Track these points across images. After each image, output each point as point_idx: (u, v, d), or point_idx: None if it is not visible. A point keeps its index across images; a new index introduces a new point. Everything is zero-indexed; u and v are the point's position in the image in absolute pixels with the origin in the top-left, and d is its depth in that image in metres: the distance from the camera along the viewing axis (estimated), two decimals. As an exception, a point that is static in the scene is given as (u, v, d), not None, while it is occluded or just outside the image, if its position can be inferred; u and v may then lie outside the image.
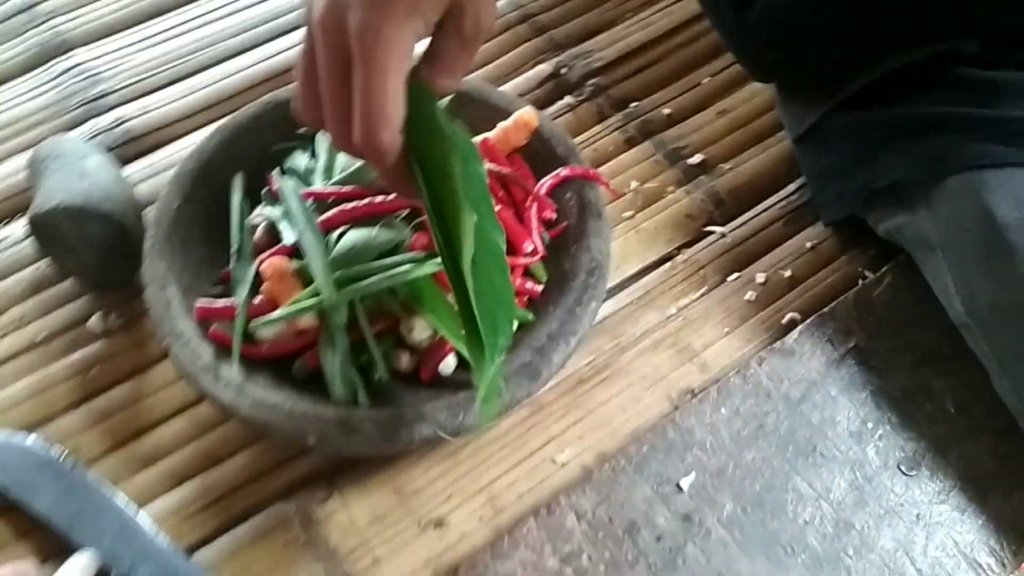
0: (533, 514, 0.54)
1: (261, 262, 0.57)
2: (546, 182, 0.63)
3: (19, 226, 0.72)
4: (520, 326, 0.59)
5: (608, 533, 0.53)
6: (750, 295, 0.66)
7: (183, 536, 0.55)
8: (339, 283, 0.55)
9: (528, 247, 0.60)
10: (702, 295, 0.67)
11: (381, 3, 0.36)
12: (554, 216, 0.63)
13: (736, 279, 0.67)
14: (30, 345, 0.65)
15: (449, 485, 0.57)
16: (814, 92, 0.70)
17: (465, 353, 0.54)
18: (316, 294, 0.55)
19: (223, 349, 0.56)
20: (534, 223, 0.61)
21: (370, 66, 0.37)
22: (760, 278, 0.67)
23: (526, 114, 0.64)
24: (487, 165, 0.62)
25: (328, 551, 0.55)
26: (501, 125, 0.65)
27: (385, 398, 0.55)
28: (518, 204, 0.63)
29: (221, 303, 0.57)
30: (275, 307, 0.57)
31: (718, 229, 0.70)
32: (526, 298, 0.60)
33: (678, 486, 0.55)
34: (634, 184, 0.73)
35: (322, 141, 0.66)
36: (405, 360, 0.57)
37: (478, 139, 0.64)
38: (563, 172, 0.63)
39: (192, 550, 0.55)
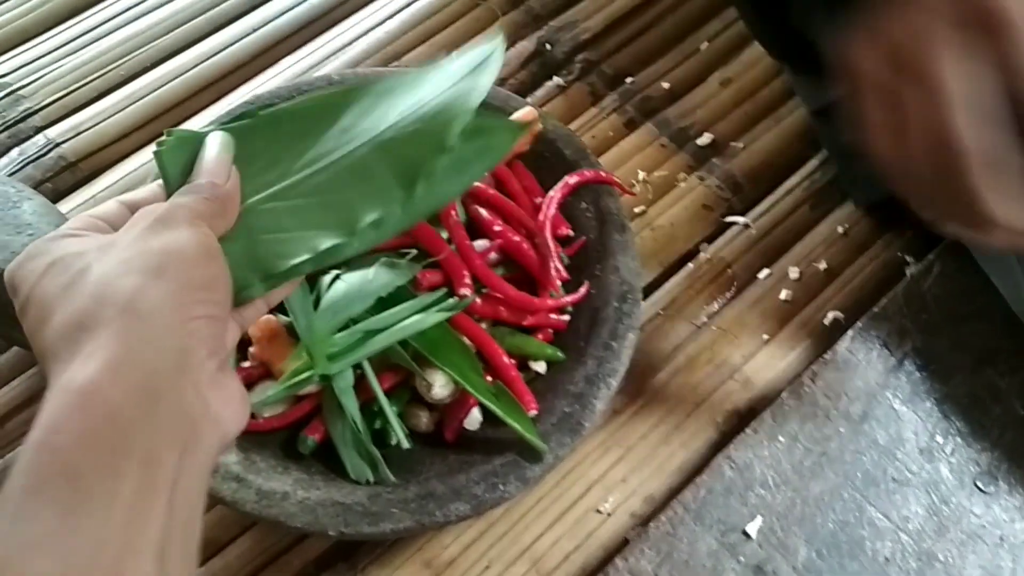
0: (589, 583, 0.48)
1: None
2: (555, 195, 0.55)
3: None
4: (549, 366, 0.52)
5: (675, 597, 0.48)
6: (785, 294, 0.60)
7: (191, 646, 0.48)
8: (337, 349, 0.47)
9: (551, 273, 0.53)
10: (732, 298, 0.60)
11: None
12: (570, 233, 0.56)
13: (767, 276, 0.61)
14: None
15: (485, 552, 0.51)
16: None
17: (493, 408, 0.48)
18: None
19: None
20: (550, 244, 0.54)
21: None
22: (793, 273, 0.61)
23: (527, 115, 0.56)
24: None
25: (360, 645, 0.48)
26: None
27: (408, 467, 0.48)
28: (526, 223, 0.55)
29: None
30: (267, 372, 0.49)
31: (740, 219, 0.64)
32: (551, 332, 0.53)
33: (744, 533, 0.49)
34: (641, 175, 0.66)
35: None
36: (424, 419, 0.50)
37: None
38: (573, 179, 0.56)
39: (204, 662, 0.48)
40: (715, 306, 0.60)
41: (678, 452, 0.54)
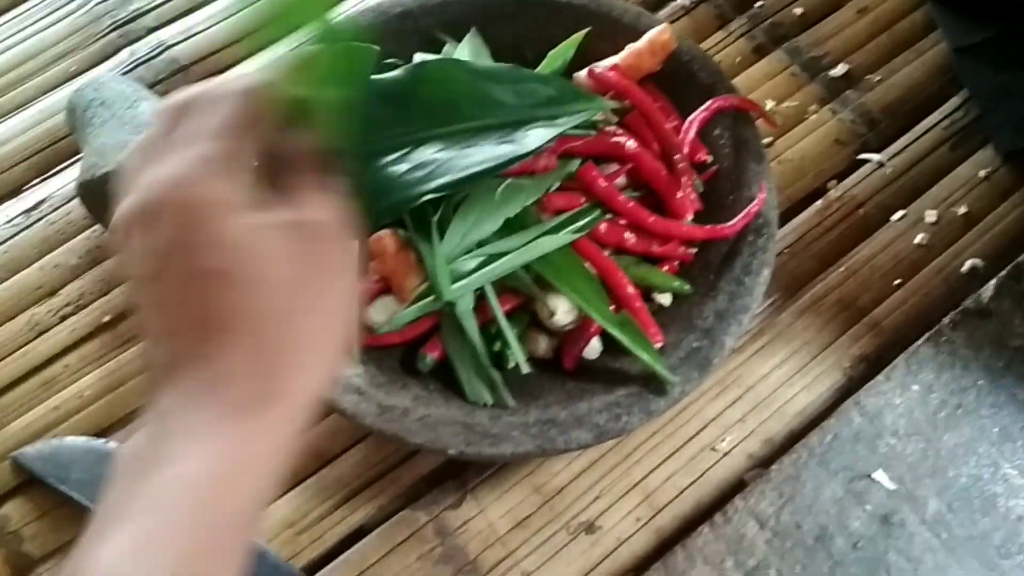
0: (708, 522, 0.47)
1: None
2: (698, 116, 0.52)
3: (60, 183, 0.62)
4: (674, 299, 0.50)
5: (797, 541, 0.46)
6: (920, 238, 0.57)
7: (301, 552, 0.49)
8: (461, 273, 0.46)
9: (680, 198, 0.50)
10: (865, 240, 0.57)
11: None
12: (708, 159, 0.53)
13: (901, 218, 0.58)
14: (95, 328, 0.56)
15: (596, 482, 0.50)
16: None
17: (620, 336, 0.46)
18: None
19: None
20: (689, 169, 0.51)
21: None
22: (930, 216, 0.58)
23: (662, 35, 0.53)
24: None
25: (469, 564, 0.48)
26: (631, 48, 0.54)
27: (526, 391, 0.47)
28: (664, 144, 0.52)
29: None
30: (389, 288, 0.48)
31: (874, 157, 0.60)
32: (677, 263, 0.51)
33: (872, 481, 0.47)
34: (770, 104, 0.63)
35: None
36: (543, 344, 0.49)
37: (605, 63, 0.53)
38: (716, 103, 0.53)
39: (312, 570, 0.48)
40: (844, 246, 0.57)
41: (800, 395, 0.52)
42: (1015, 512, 0.46)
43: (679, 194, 0.50)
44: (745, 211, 0.49)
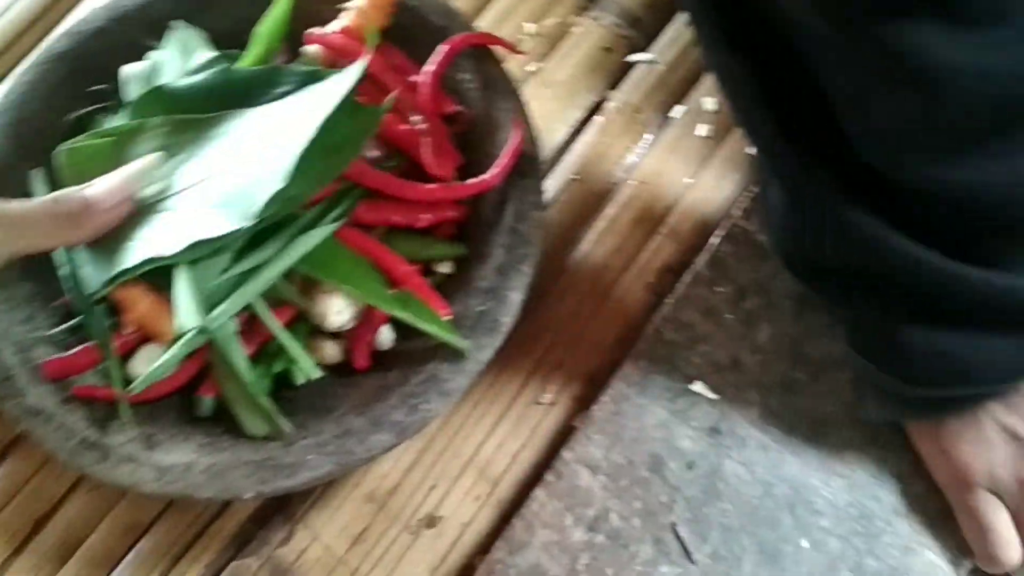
0: (540, 484, 0.45)
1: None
2: (431, 68, 0.48)
3: None
4: (458, 264, 0.47)
5: (632, 478, 0.44)
6: (702, 129, 0.55)
7: (137, 634, 0.45)
8: (217, 295, 0.42)
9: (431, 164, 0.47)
10: (649, 145, 0.55)
11: None
12: (459, 108, 0.49)
13: (683, 114, 0.56)
14: None
15: (428, 472, 0.47)
16: None
17: (402, 316, 0.43)
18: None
19: (98, 407, 0.43)
20: (437, 125, 0.48)
21: None
22: (709, 104, 0.56)
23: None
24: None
25: (314, 595, 0.45)
26: (353, 5, 0.49)
27: (326, 405, 0.44)
28: (405, 107, 0.49)
29: (76, 352, 0.44)
30: (147, 337, 0.44)
31: (644, 56, 0.58)
32: (453, 227, 0.48)
33: (693, 395, 0.46)
34: (528, 27, 0.59)
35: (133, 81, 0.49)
36: (331, 349, 0.46)
37: (326, 29, 0.49)
38: (446, 47, 0.49)
39: (152, 648, 0.45)
40: (631, 159, 0.55)
41: (612, 323, 0.50)
42: (838, 390, 0.46)
43: (432, 154, 0.47)
44: (502, 155, 0.46)
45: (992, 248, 0.37)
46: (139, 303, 0.43)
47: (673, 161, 0.54)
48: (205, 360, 0.44)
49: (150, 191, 0.42)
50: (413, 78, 0.49)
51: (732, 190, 0.53)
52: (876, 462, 0.44)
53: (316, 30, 0.49)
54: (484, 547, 0.45)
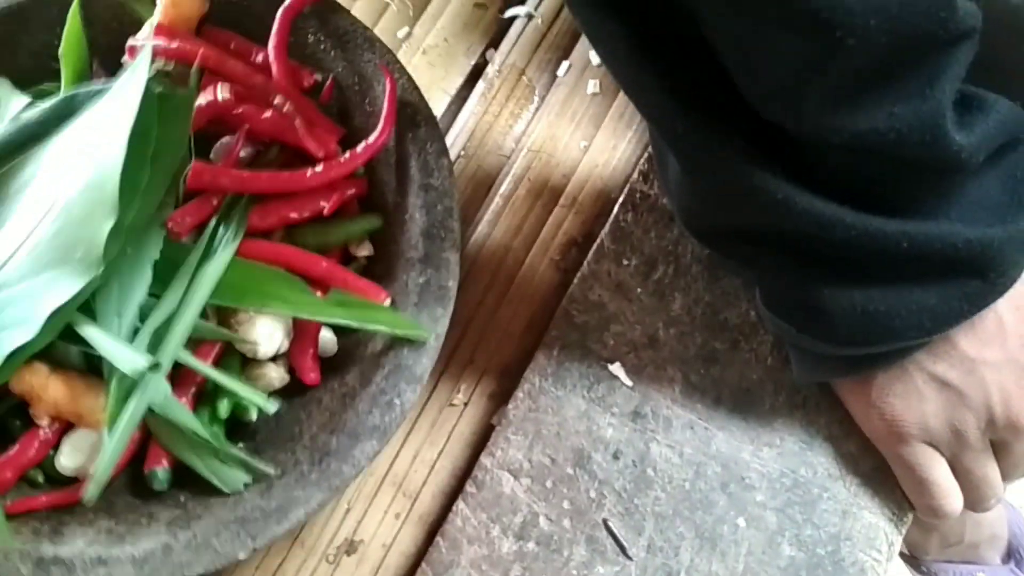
0: (461, 496, 0.42)
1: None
2: (273, 41, 0.43)
3: None
4: (375, 242, 0.43)
5: (557, 477, 0.42)
6: (592, 85, 0.51)
7: None
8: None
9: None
10: (538, 109, 0.51)
11: None
12: (318, 77, 0.45)
13: (567, 71, 0.52)
14: None
15: (341, 494, 0.44)
16: None
17: (343, 322, 0.39)
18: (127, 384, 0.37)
19: (41, 519, 0.38)
20: (302, 101, 0.43)
21: None
22: (595, 58, 0.52)
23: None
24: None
25: (234, 645, 0.42)
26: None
27: (286, 437, 0.40)
28: (251, 88, 0.43)
29: None
30: (71, 422, 0.39)
31: (521, 10, 0.53)
32: (355, 203, 0.44)
33: (611, 377, 0.43)
34: (394, -11, 0.54)
35: None
36: (274, 372, 0.41)
37: (145, 30, 0.43)
38: (283, 13, 0.43)
39: None
40: (520, 126, 0.51)
41: (521, 308, 0.47)
42: (753, 350, 0.44)
43: (309, 133, 0.42)
44: (382, 108, 0.42)
45: (904, 197, 0.35)
46: (47, 388, 0.38)
47: (565, 124, 0.51)
48: (142, 432, 0.39)
49: None
50: (258, 58, 0.44)
51: (630, 150, 0.50)
52: (805, 427, 0.42)
53: (133, 39, 0.43)
54: (411, 568, 0.42)
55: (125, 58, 0.43)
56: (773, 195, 0.34)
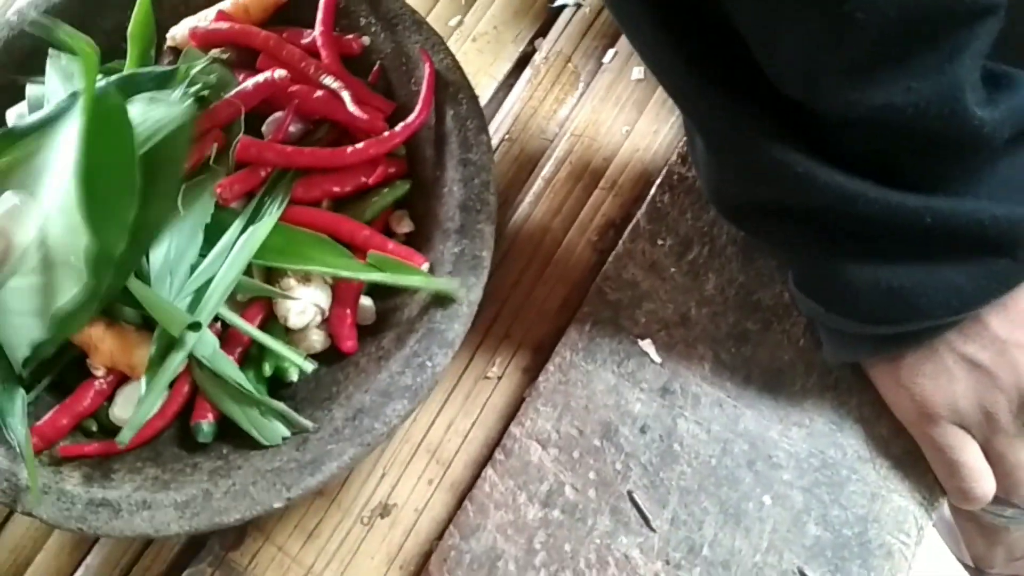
0: (490, 463, 0.43)
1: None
2: (321, 16, 0.46)
3: None
4: (413, 213, 0.45)
5: (584, 449, 0.43)
6: (637, 72, 0.52)
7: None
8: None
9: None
10: (582, 95, 0.52)
11: None
12: (361, 45, 0.47)
13: (614, 58, 0.53)
14: None
15: (377, 459, 0.46)
16: None
17: (381, 279, 0.41)
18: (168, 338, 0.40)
19: (93, 464, 0.41)
20: (348, 79, 0.45)
21: None
22: (642, 45, 0.53)
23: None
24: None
25: (271, 598, 0.44)
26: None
27: (324, 396, 0.42)
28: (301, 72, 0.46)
29: (50, 416, 0.41)
30: (123, 376, 0.42)
31: (570, 0, 0.55)
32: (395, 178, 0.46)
33: (642, 354, 0.44)
34: (446, -21, 0.56)
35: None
36: (317, 336, 0.43)
37: (211, 11, 0.46)
38: (322, 6, 0.46)
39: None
40: (565, 111, 0.52)
41: (557, 288, 0.48)
42: (784, 329, 0.44)
43: (355, 110, 0.44)
44: (422, 89, 0.44)
45: (929, 173, 0.34)
46: (103, 341, 0.41)
47: (609, 109, 0.51)
48: (190, 387, 0.42)
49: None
50: (306, 40, 0.46)
51: (671, 135, 0.50)
52: (836, 408, 0.42)
53: (189, 21, 0.46)
54: (442, 533, 0.44)
55: (171, 36, 0.46)
56: (794, 169, 0.34)
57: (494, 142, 0.52)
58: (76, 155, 0.34)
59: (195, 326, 0.39)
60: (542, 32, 0.54)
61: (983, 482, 0.39)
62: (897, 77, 0.31)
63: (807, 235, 0.37)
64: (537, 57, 0.53)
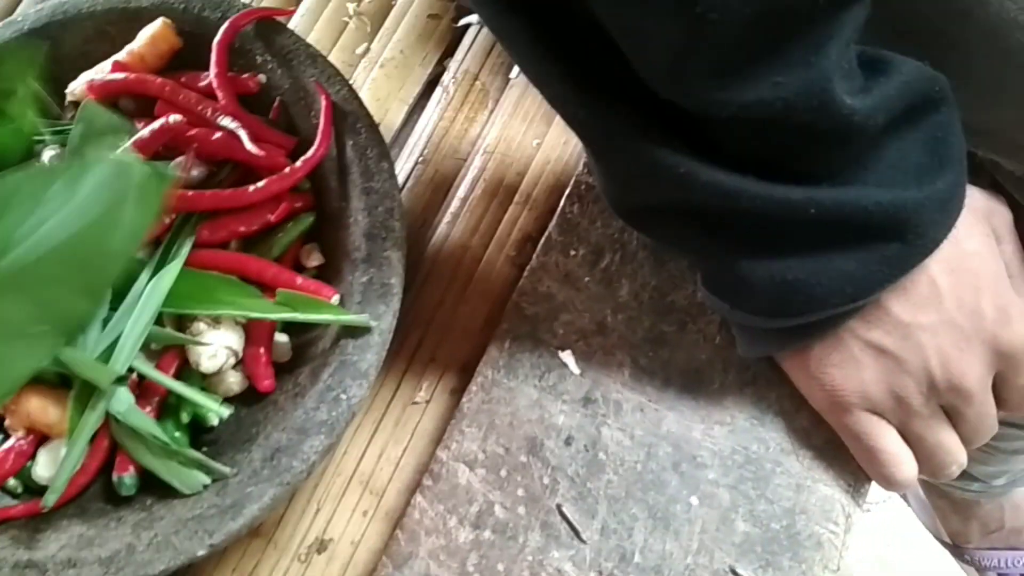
0: (418, 489, 0.43)
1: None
2: (215, 58, 0.45)
3: None
4: (312, 237, 0.45)
5: (511, 466, 0.43)
6: (544, 84, 0.52)
7: None
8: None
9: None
10: (492, 112, 0.53)
11: None
12: (258, 83, 0.47)
13: (519, 73, 0.53)
14: None
15: (311, 494, 0.45)
16: None
17: (292, 317, 0.41)
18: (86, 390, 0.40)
19: (17, 526, 0.41)
20: (245, 117, 0.45)
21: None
22: (547, 57, 0.53)
23: (158, 30, 0.46)
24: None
25: (212, 645, 0.43)
26: (129, 48, 0.46)
27: (243, 439, 0.42)
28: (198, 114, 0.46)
29: None
30: (44, 436, 0.42)
31: (473, 19, 0.55)
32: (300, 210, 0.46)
33: (562, 367, 0.44)
34: (351, 7, 0.56)
35: None
36: (232, 378, 0.43)
37: (108, 63, 0.46)
38: (222, 36, 0.45)
39: None
40: (476, 129, 0.52)
41: (480, 306, 0.48)
42: (702, 331, 0.44)
43: (253, 148, 0.44)
44: (320, 122, 0.44)
45: (813, 164, 0.35)
46: (22, 402, 0.41)
47: (518, 124, 0.52)
48: (110, 441, 0.42)
49: None
50: (203, 83, 0.46)
51: (580, 145, 0.50)
52: (756, 403, 0.42)
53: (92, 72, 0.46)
54: (379, 563, 0.44)
55: (70, 91, 0.46)
56: (677, 170, 0.34)
57: (408, 165, 0.52)
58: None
59: (122, 379, 0.39)
60: (449, 53, 0.55)
61: (904, 466, 0.39)
62: (763, 73, 0.31)
63: (702, 235, 0.38)
64: (446, 78, 0.54)
